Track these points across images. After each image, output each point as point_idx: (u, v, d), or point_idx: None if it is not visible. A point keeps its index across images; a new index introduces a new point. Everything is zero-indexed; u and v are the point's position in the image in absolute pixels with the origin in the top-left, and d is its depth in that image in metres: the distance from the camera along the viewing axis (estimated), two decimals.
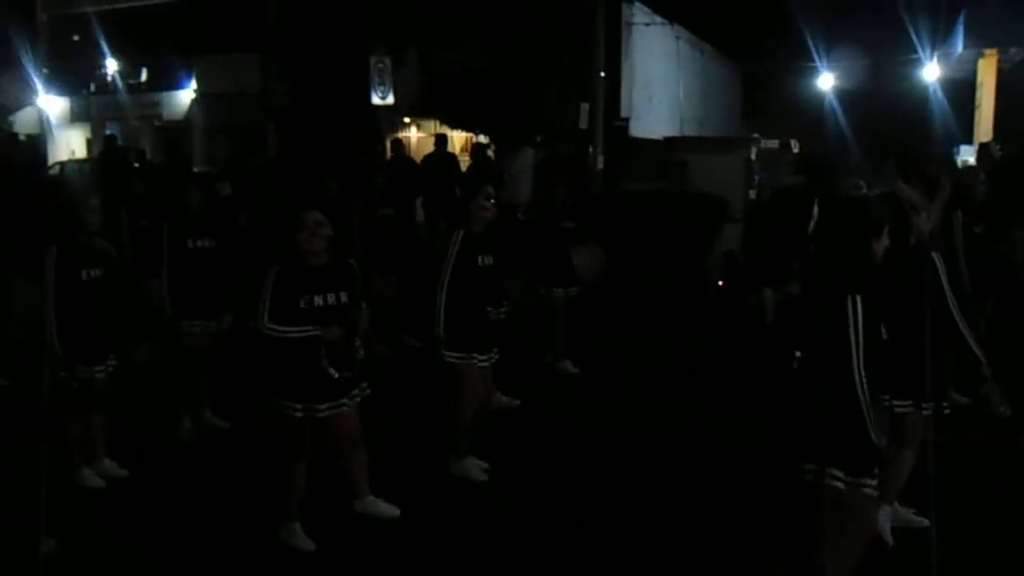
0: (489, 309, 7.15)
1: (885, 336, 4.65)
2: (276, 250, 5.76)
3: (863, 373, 4.54)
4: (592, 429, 8.01)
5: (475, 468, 6.93)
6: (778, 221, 9.37)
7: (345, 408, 5.77)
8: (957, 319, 5.35)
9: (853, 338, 4.54)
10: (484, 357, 6.93)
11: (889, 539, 5.71)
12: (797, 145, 14.31)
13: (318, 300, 5.62)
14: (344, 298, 5.72)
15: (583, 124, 16.36)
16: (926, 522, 5.83)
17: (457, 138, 16.31)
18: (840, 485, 4.67)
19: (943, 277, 5.44)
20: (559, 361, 9.62)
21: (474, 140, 15.30)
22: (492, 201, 6.95)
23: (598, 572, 5.61)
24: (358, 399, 5.85)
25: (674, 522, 6.23)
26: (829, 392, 4.66)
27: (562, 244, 9.61)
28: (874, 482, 4.69)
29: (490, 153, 13.93)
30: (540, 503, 6.49)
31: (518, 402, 8.36)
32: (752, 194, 13.00)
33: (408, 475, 6.83)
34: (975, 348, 5.38)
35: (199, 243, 7.57)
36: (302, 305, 5.58)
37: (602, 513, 6.34)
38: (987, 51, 18.37)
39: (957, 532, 5.88)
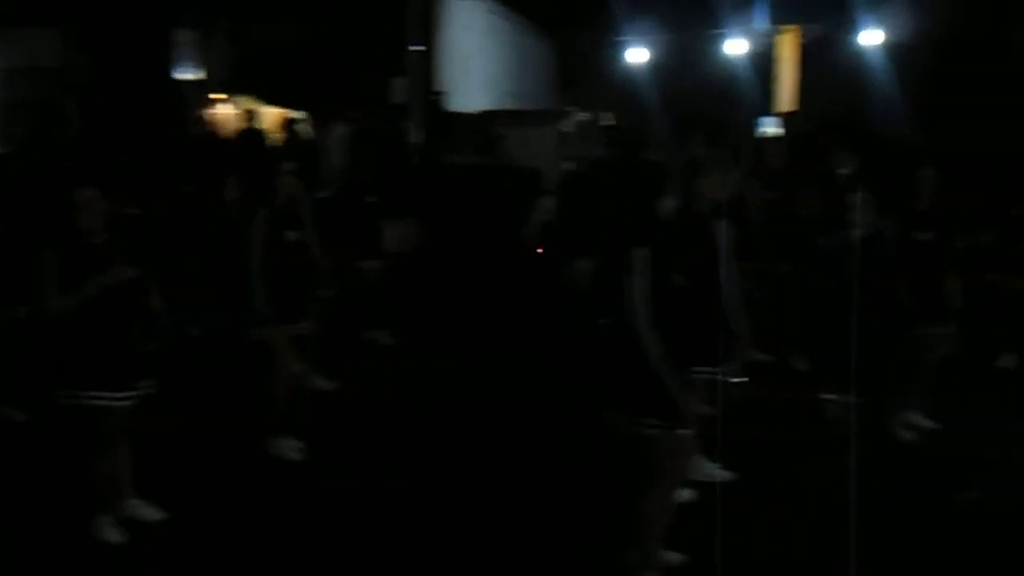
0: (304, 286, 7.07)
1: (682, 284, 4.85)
2: (52, 232, 5.51)
3: (648, 322, 4.73)
4: (412, 402, 8.02)
5: (291, 448, 6.84)
6: (590, 192, 9.54)
7: (130, 401, 5.57)
8: (727, 284, 5.49)
9: (635, 287, 4.72)
10: (294, 329, 6.84)
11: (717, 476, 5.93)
12: (609, 118, 14.60)
13: (104, 279, 5.40)
14: (132, 273, 5.52)
15: (398, 98, 16.25)
16: (727, 476, 6.09)
17: (273, 114, 15.92)
18: (656, 432, 4.85)
19: (725, 243, 5.62)
20: (376, 333, 9.61)
21: (287, 116, 15.00)
22: (294, 176, 6.85)
23: (419, 545, 5.63)
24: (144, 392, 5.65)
25: (499, 489, 6.32)
26: (631, 345, 4.84)
27: (368, 218, 9.56)
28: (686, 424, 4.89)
29: (302, 129, 13.68)
30: (358, 480, 6.46)
31: (334, 385, 8.29)
32: (570, 166, 13.20)
33: (222, 456, 6.67)
34: (735, 315, 5.54)
35: None
36: (89, 288, 5.36)
37: (421, 486, 6.37)
38: (787, 27, 19.16)
39: (759, 484, 6.18)
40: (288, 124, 13.52)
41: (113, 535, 5.58)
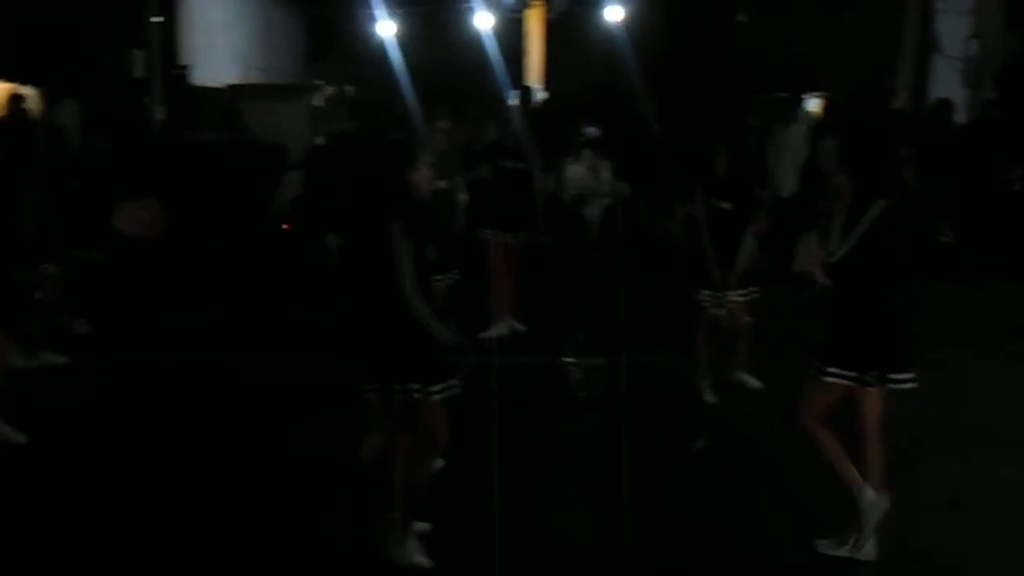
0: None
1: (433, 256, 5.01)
2: None
3: (417, 292, 4.84)
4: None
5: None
6: (335, 167, 9.43)
7: None
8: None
9: (401, 261, 4.80)
10: None
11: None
12: (354, 92, 14.50)
13: None
14: None
15: (138, 72, 15.53)
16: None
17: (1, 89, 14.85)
18: (424, 397, 4.96)
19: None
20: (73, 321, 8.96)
21: (15, 91, 14.00)
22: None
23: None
24: None
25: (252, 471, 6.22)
26: (387, 316, 4.89)
27: (99, 201, 9.07)
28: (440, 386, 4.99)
29: (28, 106, 12.82)
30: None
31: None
32: (320, 141, 13.06)
33: None
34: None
35: None
36: None
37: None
38: (534, 2, 19.63)
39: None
40: (12, 100, 12.59)
41: None
